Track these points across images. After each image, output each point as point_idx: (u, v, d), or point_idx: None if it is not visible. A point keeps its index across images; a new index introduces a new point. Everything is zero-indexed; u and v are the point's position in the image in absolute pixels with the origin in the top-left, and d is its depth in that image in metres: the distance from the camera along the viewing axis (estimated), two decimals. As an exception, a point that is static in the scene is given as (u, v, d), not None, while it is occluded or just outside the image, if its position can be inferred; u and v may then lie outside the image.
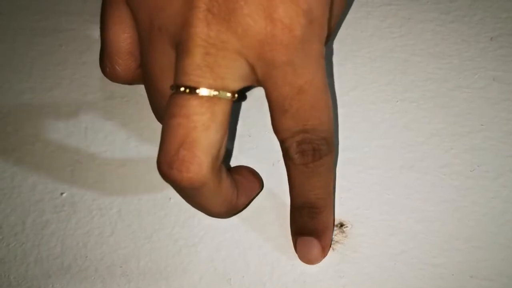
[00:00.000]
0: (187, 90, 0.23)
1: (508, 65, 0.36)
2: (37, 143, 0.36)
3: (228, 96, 0.23)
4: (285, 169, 0.29)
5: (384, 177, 0.32)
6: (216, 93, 0.23)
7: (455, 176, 0.32)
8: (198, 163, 0.23)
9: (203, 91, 0.23)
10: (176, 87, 0.23)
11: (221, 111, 0.23)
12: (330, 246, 0.31)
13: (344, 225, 0.32)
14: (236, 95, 0.24)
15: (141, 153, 0.35)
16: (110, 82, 0.33)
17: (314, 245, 0.31)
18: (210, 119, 0.23)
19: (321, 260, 0.31)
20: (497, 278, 0.29)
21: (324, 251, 0.31)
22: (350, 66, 0.37)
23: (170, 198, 0.33)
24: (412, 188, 0.32)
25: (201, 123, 0.23)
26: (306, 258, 0.31)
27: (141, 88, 0.32)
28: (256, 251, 0.31)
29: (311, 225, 0.30)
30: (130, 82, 0.32)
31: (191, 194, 0.25)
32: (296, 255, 0.32)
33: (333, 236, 0.31)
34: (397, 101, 0.35)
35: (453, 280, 0.30)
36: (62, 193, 0.34)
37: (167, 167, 0.23)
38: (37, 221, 0.33)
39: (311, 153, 0.27)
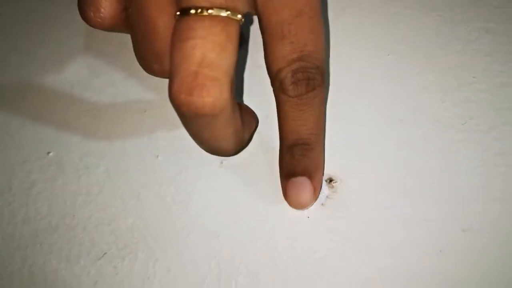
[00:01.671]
0: (199, 11, 0.21)
1: (500, 17, 0.34)
2: (22, 103, 0.34)
3: (239, 18, 0.22)
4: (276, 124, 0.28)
5: (374, 132, 0.30)
6: (228, 13, 0.21)
7: (446, 129, 0.30)
8: (219, 86, 0.21)
9: (217, 11, 0.21)
10: (184, 10, 0.21)
11: (235, 32, 0.21)
12: (321, 189, 0.29)
13: (333, 180, 0.30)
14: (243, 20, 0.22)
15: (128, 111, 0.33)
16: (97, 39, 0.31)
17: (306, 186, 0.29)
18: (226, 39, 0.21)
19: (311, 204, 0.29)
20: (491, 231, 0.28)
21: (315, 193, 0.29)
22: (340, 20, 0.35)
23: (157, 156, 0.31)
24: (403, 142, 0.30)
25: (218, 43, 0.21)
26: (297, 201, 0.29)
27: (128, 45, 0.29)
28: (245, 207, 0.29)
29: (303, 163, 0.28)
30: (114, 28, 0.28)
31: (208, 123, 0.22)
32: (285, 214, 0.30)
33: (322, 191, 0.29)
34: (388, 55, 0.33)
35: (445, 234, 0.28)
36: (48, 153, 0.32)
37: (185, 94, 0.21)
38: (23, 181, 0.31)
39: (305, 82, 0.26)
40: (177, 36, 0.21)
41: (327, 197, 0.30)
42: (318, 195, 0.29)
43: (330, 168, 0.30)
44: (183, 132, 0.30)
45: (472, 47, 0.33)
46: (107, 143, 0.31)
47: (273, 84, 0.27)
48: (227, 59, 0.21)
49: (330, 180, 0.30)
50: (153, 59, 0.26)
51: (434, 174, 0.29)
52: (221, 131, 0.24)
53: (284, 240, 0.29)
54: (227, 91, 0.21)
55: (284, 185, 0.29)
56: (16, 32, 0.37)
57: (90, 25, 0.28)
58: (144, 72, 0.29)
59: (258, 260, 0.29)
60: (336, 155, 0.30)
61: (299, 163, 0.29)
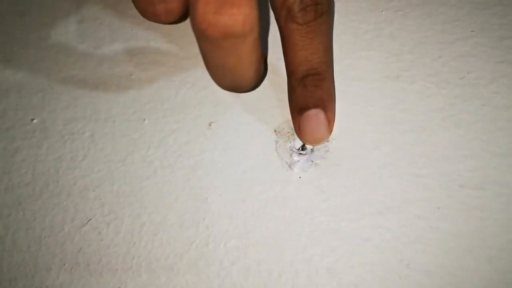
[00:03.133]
0: None
1: (499, -31, 0.32)
2: (7, 69, 0.33)
3: None
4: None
5: (368, 89, 0.29)
6: None
7: (443, 84, 0.29)
8: (249, 2, 0.19)
9: None
10: None
11: None
12: (334, 120, 0.28)
13: (326, 139, 0.28)
14: None
15: (114, 75, 0.31)
16: (82, 3, 0.30)
17: (321, 118, 0.27)
18: None
19: (328, 138, 0.28)
20: (489, 187, 0.26)
21: (330, 125, 0.28)
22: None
23: (144, 120, 0.30)
24: (397, 98, 0.29)
25: None
26: (313, 136, 0.28)
27: (115, 9, 0.28)
28: (234, 169, 0.28)
29: (316, 94, 0.27)
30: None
31: (236, 46, 0.21)
32: (276, 175, 0.29)
33: (314, 151, 0.28)
34: (382, 11, 0.31)
35: (441, 190, 0.27)
36: (32, 119, 0.31)
37: (213, 14, 0.19)
38: (7, 148, 0.30)
39: (313, 8, 0.25)
40: None
41: (319, 156, 0.28)
42: (333, 128, 0.28)
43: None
44: (170, 96, 0.29)
45: (470, 0, 0.31)
46: (92, 108, 0.30)
47: (279, 13, 0.25)
48: None
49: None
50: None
51: (430, 130, 0.28)
52: (248, 56, 0.22)
53: (274, 202, 0.28)
54: (256, 7, 0.20)
55: (297, 120, 0.28)
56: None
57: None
58: (130, 35, 0.28)
59: (248, 223, 0.27)
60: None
61: (313, 94, 0.27)
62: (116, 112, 0.30)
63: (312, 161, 0.28)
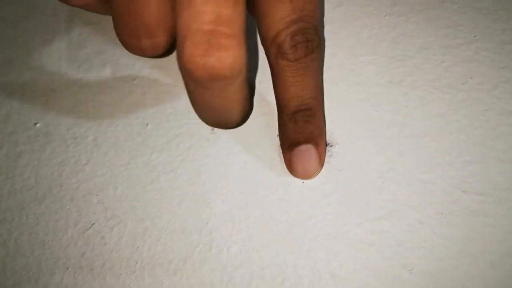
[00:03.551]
0: None
1: (502, -25, 0.32)
2: (10, 73, 0.33)
3: None
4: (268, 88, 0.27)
5: (371, 93, 0.29)
6: None
7: (446, 89, 0.29)
8: (238, 43, 0.19)
9: None
10: None
11: None
12: (325, 156, 0.28)
13: (329, 144, 0.29)
14: None
15: (117, 79, 0.32)
16: (83, 10, 0.30)
17: (312, 153, 0.28)
18: None
19: (318, 172, 0.28)
20: (491, 192, 0.27)
21: (321, 160, 0.28)
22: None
23: (147, 124, 0.30)
24: (401, 103, 0.29)
25: None
26: (304, 171, 0.28)
27: None
28: (237, 174, 0.28)
29: (306, 130, 0.27)
30: (87, 4, 0.26)
31: (223, 88, 0.20)
32: (279, 179, 0.29)
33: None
34: (385, 16, 0.32)
35: (444, 196, 0.27)
36: (36, 123, 0.31)
37: (201, 56, 0.19)
38: (10, 152, 0.30)
39: (304, 45, 0.25)
40: None
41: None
42: (324, 163, 0.28)
43: (326, 131, 0.29)
44: (173, 100, 0.29)
45: (472, 5, 0.31)
46: (95, 113, 0.30)
47: (269, 49, 0.25)
48: (241, 13, 0.19)
49: (326, 144, 0.29)
50: (142, 34, 0.24)
51: (433, 135, 0.28)
52: (235, 96, 0.22)
53: (278, 206, 0.28)
54: (245, 48, 0.19)
55: (288, 156, 0.28)
56: (1, 4, 0.36)
57: (66, 2, 0.26)
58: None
59: (251, 228, 0.28)
60: (332, 118, 0.29)
61: (303, 130, 0.27)
62: (119, 117, 0.30)
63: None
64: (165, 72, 0.31)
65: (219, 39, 0.18)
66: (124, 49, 0.29)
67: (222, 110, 0.23)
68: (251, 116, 0.30)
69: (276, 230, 0.27)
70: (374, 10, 0.32)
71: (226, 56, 0.19)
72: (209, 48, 0.18)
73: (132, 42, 0.25)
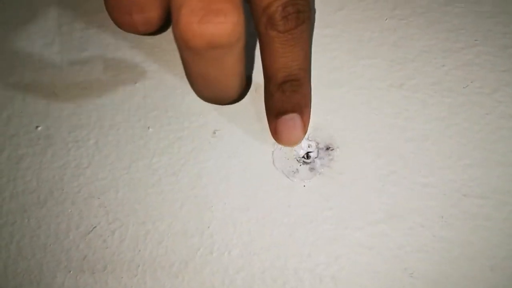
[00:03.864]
0: None
1: (503, -22, 0.33)
2: (11, 76, 0.33)
3: None
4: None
5: (372, 97, 0.29)
6: None
7: (446, 93, 0.29)
8: (237, 8, 0.18)
9: None
10: None
11: None
12: (308, 124, 0.29)
13: (330, 147, 0.29)
14: None
15: (119, 82, 0.32)
16: (86, 11, 0.30)
17: (297, 122, 0.28)
18: None
19: (301, 140, 0.29)
20: (492, 195, 0.27)
21: (305, 129, 0.29)
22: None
23: (148, 127, 0.30)
24: (401, 107, 0.29)
25: None
26: (289, 139, 0.29)
27: None
28: (239, 177, 0.28)
29: (293, 99, 0.28)
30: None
31: (221, 57, 0.20)
32: (280, 183, 0.29)
33: (319, 159, 0.29)
34: (386, 19, 0.32)
35: (445, 200, 0.27)
36: (37, 126, 0.31)
37: (198, 23, 0.18)
38: (12, 155, 0.31)
39: (295, 16, 0.25)
40: None
41: (324, 165, 0.29)
42: (307, 130, 0.29)
43: (327, 135, 0.29)
44: (174, 104, 0.29)
45: (473, 9, 0.31)
46: (97, 116, 0.31)
47: (259, 19, 0.24)
48: None
49: (327, 148, 0.29)
50: (134, 9, 0.23)
51: (434, 139, 0.29)
52: (233, 67, 0.21)
53: (279, 210, 0.28)
54: (243, 14, 0.19)
55: (273, 124, 0.28)
56: (3, 7, 0.36)
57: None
58: (135, 43, 0.28)
59: (252, 231, 0.28)
60: (333, 121, 0.29)
61: (290, 100, 0.28)
62: (121, 120, 0.31)
63: (315, 170, 0.28)
64: (167, 75, 0.31)
65: (216, 4, 0.18)
66: (126, 51, 0.30)
67: (218, 82, 0.22)
68: (252, 119, 0.30)
69: (277, 234, 0.27)
70: (375, 14, 0.32)
71: (225, 22, 0.18)
72: (206, 14, 0.18)
73: (124, 18, 0.24)
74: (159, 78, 0.31)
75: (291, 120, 0.27)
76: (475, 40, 0.30)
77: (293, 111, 0.27)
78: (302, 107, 0.27)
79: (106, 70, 0.32)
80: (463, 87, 0.29)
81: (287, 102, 0.27)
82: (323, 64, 0.30)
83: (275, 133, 0.28)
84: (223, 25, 0.18)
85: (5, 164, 0.30)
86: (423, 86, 0.29)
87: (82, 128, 0.31)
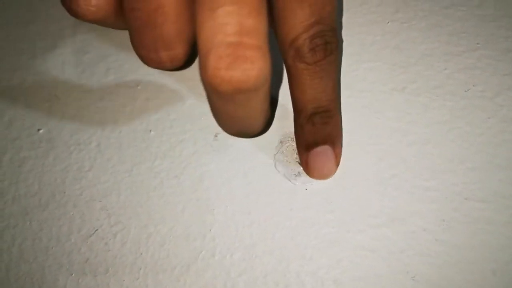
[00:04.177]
0: None
1: (505, -19, 0.33)
2: (13, 79, 0.33)
3: None
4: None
5: (374, 100, 0.30)
6: None
7: (448, 96, 0.30)
8: (263, 55, 0.18)
9: None
10: None
11: None
12: (341, 155, 0.29)
13: (332, 151, 0.29)
14: None
15: (121, 85, 0.32)
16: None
17: (329, 154, 0.28)
18: (260, 2, 0.18)
19: (335, 173, 0.29)
20: (494, 199, 0.27)
21: (337, 160, 0.29)
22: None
23: (150, 130, 0.31)
24: (403, 111, 0.29)
25: (253, 7, 0.18)
26: (322, 172, 0.29)
27: None
28: (241, 180, 0.28)
29: (324, 131, 0.28)
30: (106, 19, 0.25)
31: (248, 99, 0.20)
32: (282, 186, 0.29)
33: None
34: (388, 22, 0.32)
35: (447, 203, 0.27)
36: (39, 129, 0.31)
37: (225, 69, 0.18)
38: (14, 158, 0.31)
39: (323, 47, 0.25)
40: (202, 5, 0.18)
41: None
42: (339, 162, 0.29)
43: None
44: (176, 106, 0.29)
45: (476, 13, 0.32)
46: (99, 119, 0.31)
47: (286, 52, 0.25)
48: (264, 23, 0.19)
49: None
50: (160, 46, 0.23)
51: (436, 142, 0.29)
52: (259, 107, 0.21)
53: (281, 213, 0.28)
54: (269, 59, 0.19)
55: (305, 157, 0.29)
56: (4, 9, 0.36)
57: (76, 16, 0.24)
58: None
59: (254, 234, 0.28)
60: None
61: (321, 132, 0.28)
62: (123, 123, 0.31)
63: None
64: (169, 78, 0.31)
65: (244, 51, 0.18)
66: (128, 54, 0.30)
67: (245, 121, 0.23)
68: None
69: (279, 237, 0.28)
70: (377, 17, 0.32)
71: (252, 69, 0.18)
72: (234, 61, 0.18)
73: (150, 56, 0.24)
74: (161, 81, 0.31)
75: (322, 152, 0.28)
76: (477, 44, 0.31)
77: (324, 143, 0.27)
78: (333, 138, 0.27)
79: (108, 73, 0.33)
80: (465, 91, 0.29)
81: (318, 134, 0.27)
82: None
83: (307, 167, 0.28)
84: (250, 72, 0.18)
85: (7, 167, 0.31)
86: (425, 90, 0.30)
87: (84, 131, 0.31)
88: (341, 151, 0.29)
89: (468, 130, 0.28)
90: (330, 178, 0.28)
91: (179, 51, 0.23)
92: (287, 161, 0.29)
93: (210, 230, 0.28)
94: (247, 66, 0.18)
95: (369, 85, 0.30)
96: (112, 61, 0.33)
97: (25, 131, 0.32)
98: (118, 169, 0.30)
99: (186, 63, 0.26)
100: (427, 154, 0.28)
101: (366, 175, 0.28)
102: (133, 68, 0.33)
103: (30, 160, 0.31)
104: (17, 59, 0.33)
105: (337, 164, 0.28)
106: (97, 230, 0.29)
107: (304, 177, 0.29)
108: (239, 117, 0.22)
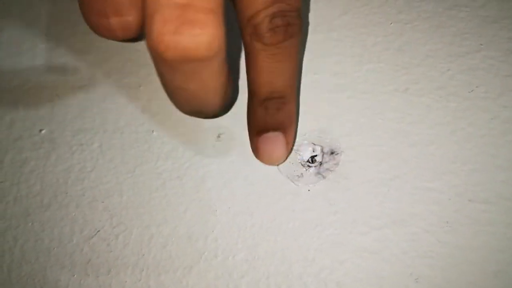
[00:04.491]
0: None
1: (508, -18, 0.33)
2: (15, 79, 0.33)
3: None
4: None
5: (376, 101, 0.30)
6: None
7: (452, 97, 0.30)
8: (216, 20, 0.16)
9: None
10: None
11: None
12: (294, 144, 0.29)
13: (335, 152, 0.29)
14: None
15: (123, 85, 0.32)
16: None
17: (280, 141, 0.27)
18: None
19: (284, 160, 0.28)
20: (497, 201, 0.27)
21: (288, 148, 0.28)
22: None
23: (152, 131, 0.31)
24: (406, 112, 0.29)
25: None
26: (270, 157, 0.28)
27: None
28: (243, 181, 0.28)
29: (277, 118, 0.26)
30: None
31: (198, 70, 0.18)
32: (285, 187, 0.29)
33: (323, 163, 0.29)
34: (391, 23, 0.32)
35: (450, 205, 0.27)
36: (41, 130, 0.32)
37: (172, 34, 0.16)
38: (15, 159, 0.31)
39: (283, 29, 0.23)
40: None
41: (328, 169, 0.29)
42: (291, 151, 0.29)
43: (331, 139, 0.29)
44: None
45: (479, 14, 0.32)
46: (101, 119, 0.31)
47: (244, 29, 0.23)
48: None
49: (332, 152, 0.29)
50: (110, 11, 0.21)
51: (439, 144, 0.29)
52: (213, 81, 0.19)
53: (283, 214, 0.28)
54: (223, 25, 0.17)
55: (254, 141, 0.28)
56: (6, 10, 0.37)
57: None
58: (140, 46, 0.28)
59: (256, 236, 0.28)
60: (338, 125, 0.30)
61: (273, 118, 0.26)
62: (125, 123, 0.31)
63: (320, 174, 0.28)
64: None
65: (193, 14, 0.16)
66: (130, 55, 0.30)
67: (197, 96, 0.20)
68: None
69: (281, 238, 0.28)
70: (380, 18, 0.32)
71: (202, 35, 0.16)
72: (181, 25, 0.16)
73: (100, 22, 0.22)
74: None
75: (273, 138, 0.26)
76: (480, 45, 0.31)
77: (275, 130, 0.26)
78: (285, 126, 0.26)
79: (110, 73, 0.33)
80: (468, 92, 0.29)
81: (270, 120, 0.26)
82: (327, 68, 0.31)
83: (256, 151, 0.27)
84: (199, 38, 0.16)
85: (9, 167, 0.31)
86: (428, 91, 0.30)
87: (86, 132, 0.31)
88: (293, 139, 0.28)
89: (471, 131, 0.28)
90: (332, 180, 0.28)
91: (131, 18, 0.21)
92: (289, 162, 0.29)
93: (213, 231, 0.28)
94: (197, 32, 0.16)
95: (371, 86, 0.30)
96: (114, 62, 0.33)
97: (26, 132, 0.32)
98: (121, 169, 0.30)
99: (140, 36, 0.23)
100: (429, 155, 0.28)
101: (369, 176, 0.28)
102: (135, 69, 0.33)
103: (32, 160, 0.31)
104: (19, 59, 0.33)
105: (288, 151, 0.28)
106: (99, 231, 0.29)
107: (307, 178, 0.29)
108: (191, 91, 0.20)
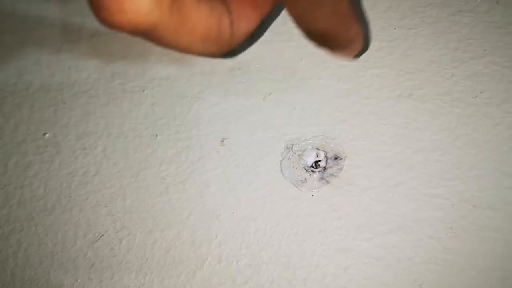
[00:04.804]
0: None
1: (512, -12, 0.33)
2: (19, 83, 0.33)
3: None
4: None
5: (380, 107, 0.30)
6: None
7: (456, 103, 0.30)
8: None
9: None
10: None
11: None
12: None
13: (339, 157, 0.29)
14: None
15: (126, 90, 0.32)
16: (93, 19, 0.30)
17: None
18: None
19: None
20: (502, 207, 0.27)
21: None
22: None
23: (156, 135, 0.31)
24: (410, 117, 0.29)
25: None
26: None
27: None
28: (247, 186, 0.28)
29: None
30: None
31: (150, 36, 0.15)
32: (289, 192, 0.29)
33: (327, 169, 0.29)
34: (395, 28, 0.32)
35: (454, 211, 0.27)
36: (45, 134, 0.32)
37: (99, 10, 0.13)
38: (19, 162, 0.31)
39: None
40: None
41: (332, 175, 0.29)
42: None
43: (335, 145, 0.30)
44: (182, 112, 0.29)
45: (483, 19, 0.32)
46: (105, 123, 0.31)
47: None
48: None
49: (336, 157, 0.29)
50: None
51: (443, 150, 0.29)
52: (175, 39, 0.16)
53: (287, 220, 0.28)
54: (147, 1, 0.14)
55: None
56: (10, 15, 0.37)
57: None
58: (144, 50, 0.28)
59: (260, 241, 0.28)
60: (342, 130, 0.30)
61: None
62: (129, 128, 0.31)
63: (324, 179, 0.28)
64: (175, 83, 0.31)
65: None
66: (134, 59, 0.30)
67: (176, 49, 0.17)
68: (261, 127, 0.30)
69: (285, 244, 0.28)
70: (384, 23, 0.32)
71: (120, 12, 0.13)
72: (102, 1, 0.13)
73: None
74: (167, 86, 0.31)
75: None
76: (484, 50, 0.31)
77: None
78: None
79: (113, 78, 0.33)
80: (473, 97, 0.29)
81: None
82: (331, 74, 0.31)
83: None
84: (120, 16, 0.13)
85: (13, 171, 0.31)
86: (432, 96, 0.30)
87: (90, 136, 0.31)
88: None
89: (476, 137, 0.28)
90: (336, 185, 0.28)
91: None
92: (293, 167, 0.29)
93: (216, 236, 0.28)
94: (115, 9, 0.13)
95: (375, 92, 0.30)
96: (118, 66, 0.33)
97: (30, 135, 0.32)
98: (124, 174, 0.30)
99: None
100: (434, 161, 0.28)
101: (373, 182, 0.28)
102: (139, 73, 0.33)
103: (35, 164, 0.31)
104: (23, 63, 0.33)
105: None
106: (103, 235, 0.29)
107: (311, 183, 0.29)
108: (167, 46, 0.16)
